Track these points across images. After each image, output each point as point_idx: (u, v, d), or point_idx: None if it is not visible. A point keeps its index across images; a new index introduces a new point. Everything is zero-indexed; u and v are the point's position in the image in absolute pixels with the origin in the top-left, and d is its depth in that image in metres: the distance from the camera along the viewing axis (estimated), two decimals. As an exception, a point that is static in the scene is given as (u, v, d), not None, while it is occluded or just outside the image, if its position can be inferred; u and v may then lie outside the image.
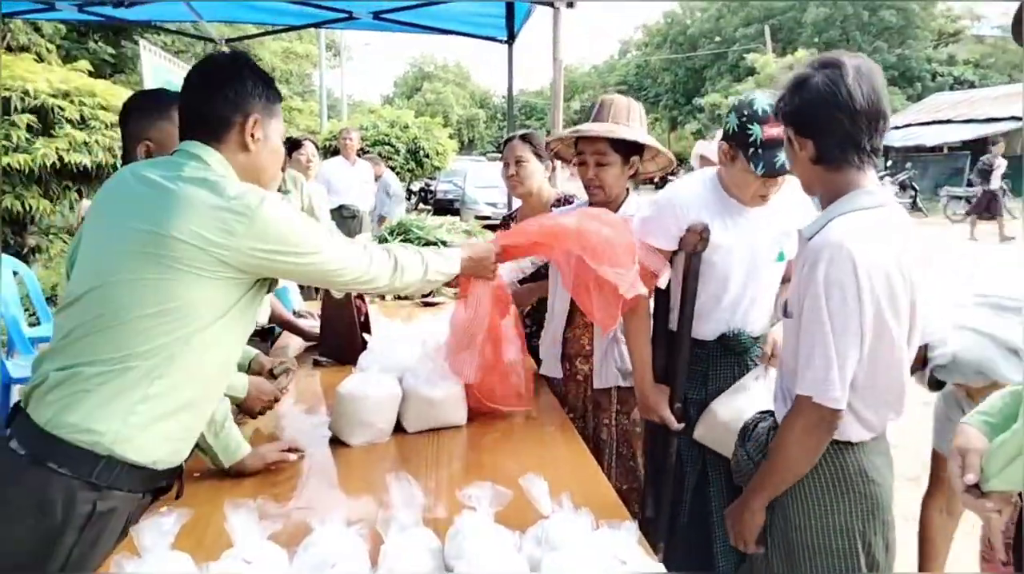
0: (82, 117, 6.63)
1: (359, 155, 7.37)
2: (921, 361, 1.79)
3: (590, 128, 2.28)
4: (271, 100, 1.58)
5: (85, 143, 6.66)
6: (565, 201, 2.88)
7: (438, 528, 1.35)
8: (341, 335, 2.69)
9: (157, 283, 1.35)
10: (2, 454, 1.39)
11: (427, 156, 15.84)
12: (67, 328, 1.40)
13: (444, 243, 4.71)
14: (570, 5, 3.79)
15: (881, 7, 32.33)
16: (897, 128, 22.62)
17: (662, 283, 2.08)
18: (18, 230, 6.71)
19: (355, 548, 1.25)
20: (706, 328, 2.09)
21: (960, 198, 18.22)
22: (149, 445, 1.41)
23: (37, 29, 10.21)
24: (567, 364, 2.48)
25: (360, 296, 2.76)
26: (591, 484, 1.69)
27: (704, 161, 3.07)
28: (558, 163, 3.12)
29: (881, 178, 18.53)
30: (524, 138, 2.91)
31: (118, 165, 7.70)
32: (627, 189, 2.40)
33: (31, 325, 4.66)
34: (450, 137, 16.92)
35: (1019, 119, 17.83)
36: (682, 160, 7.31)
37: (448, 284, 2.00)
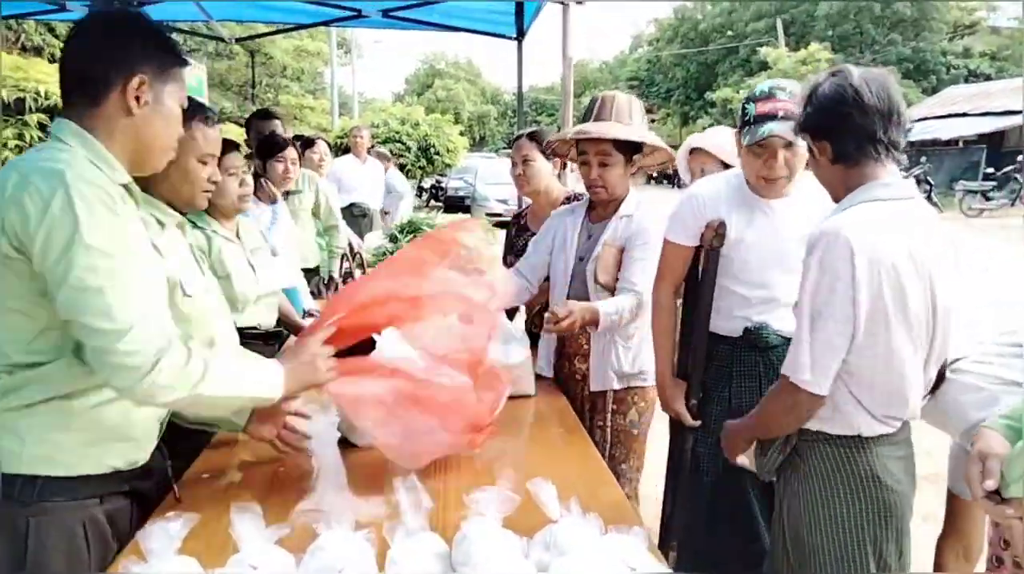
0: (94, 117, 6.69)
1: (368, 152, 7.37)
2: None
3: (594, 129, 2.27)
4: (166, 62, 1.41)
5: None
6: (575, 198, 2.87)
7: (445, 532, 1.35)
8: (350, 334, 2.69)
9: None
10: None
11: (438, 153, 15.89)
12: None
13: (454, 241, 4.72)
14: (580, 2, 3.77)
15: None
16: (911, 122, 22.37)
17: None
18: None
19: (362, 553, 1.24)
20: (730, 324, 2.08)
21: (976, 192, 18.03)
22: (56, 454, 1.32)
23: (51, 30, 10.30)
24: (565, 363, 2.49)
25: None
26: (600, 487, 1.68)
27: (697, 154, 2.96)
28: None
29: (895, 173, 18.46)
30: (531, 136, 2.90)
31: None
32: (629, 187, 2.41)
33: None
34: (461, 134, 16.96)
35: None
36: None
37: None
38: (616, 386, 2.37)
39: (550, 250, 2.55)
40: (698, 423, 2.13)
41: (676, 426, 2.23)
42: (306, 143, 5.07)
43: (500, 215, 13.83)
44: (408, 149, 15.58)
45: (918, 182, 18.93)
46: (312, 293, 3.66)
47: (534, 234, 2.98)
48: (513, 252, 3.06)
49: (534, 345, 2.55)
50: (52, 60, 8.46)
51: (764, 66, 29.66)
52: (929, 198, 18.55)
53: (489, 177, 17.96)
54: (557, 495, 1.34)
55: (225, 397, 1.38)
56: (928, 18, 32.41)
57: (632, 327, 2.35)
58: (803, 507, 1.61)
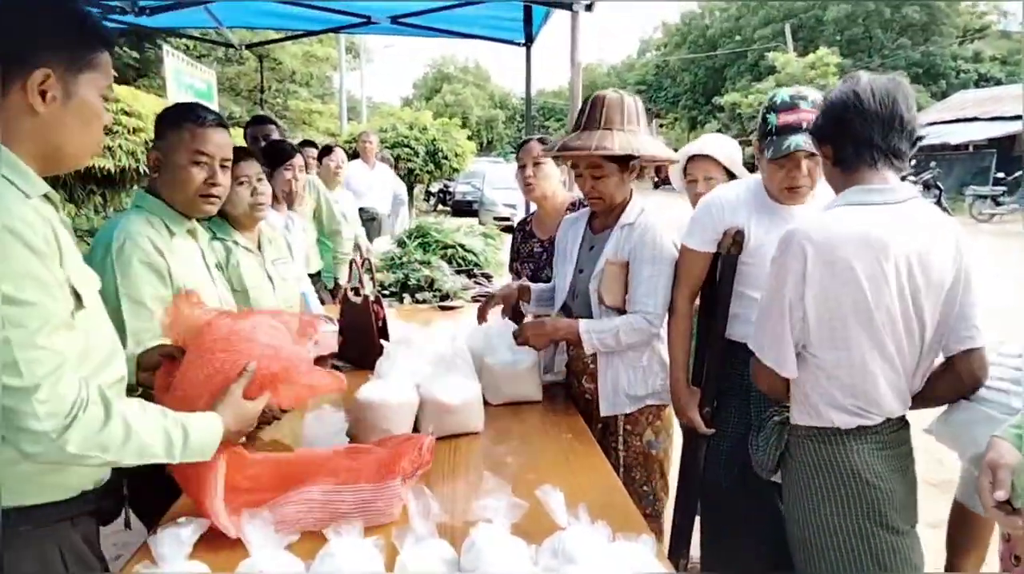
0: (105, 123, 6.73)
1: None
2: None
3: (575, 144, 2.17)
4: (80, 48, 1.23)
5: (109, 148, 6.78)
6: (580, 204, 2.87)
7: (454, 538, 1.35)
8: (359, 340, 2.70)
9: None
10: None
11: (446, 158, 15.90)
12: None
13: (462, 246, 4.74)
14: (588, 8, 3.78)
15: (904, 4, 31.92)
16: (921, 126, 22.28)
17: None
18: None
19: (371, 559, 1.25)
20: (747, 330, 1.98)
21: (986, 197, 17.93)
22: (21, 484, 1.20)
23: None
24: (573, 381, 2.41)
25: (378, 300, 2.77)
26: (608, 494, 1.68)
27: (700, 160, 2.78)
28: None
29: (904, 177, 18.35)
30: (541, 141, 2.91)
31: (142, 170, 7.85)
32: (631, 191, 2.31)
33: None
34: (469, 138, 16.96)
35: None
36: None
37: None
38: (628, 409, 2.25)
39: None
40: (712, 431, 2.11)
41: (688, 433, 2.22)
42: (323, 151, 5.11)
43: (507, 219, 13.86)
44: (416, 154, 15.60)
45: (927, 187, 18.85)
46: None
47: (540, 240, 2.99)
48: (519, 259, 3.07)
49: None
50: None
51: (772, 71, 29.63)
52: (939, 203, 18.46)
53: (497, 181, 17.99)
54: (565, 502, 1.34)
55: (148, 458, 1.23)
56: (938, 22, 32.32)
57: (642, 347, 2.24)
58: (793, 502, 1.67)
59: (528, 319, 2.26)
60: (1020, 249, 12.94)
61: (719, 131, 32.68)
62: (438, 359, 2.16)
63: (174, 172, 1.86)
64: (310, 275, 3.98)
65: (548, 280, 2.67)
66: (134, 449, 1.18)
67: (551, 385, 2.44)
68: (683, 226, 2.31)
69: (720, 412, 2.12)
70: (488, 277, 4.53)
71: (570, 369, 2.43)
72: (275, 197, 3.40)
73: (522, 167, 2.93)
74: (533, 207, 3.19)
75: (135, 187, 8.00)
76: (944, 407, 1.71)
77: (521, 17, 4.66)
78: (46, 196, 1.23)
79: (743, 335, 2.01)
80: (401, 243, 4.85)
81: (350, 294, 2.81)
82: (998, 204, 17.60)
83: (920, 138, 1.57)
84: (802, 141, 1.83)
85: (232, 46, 6.38)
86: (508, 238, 5.07)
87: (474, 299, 4.06)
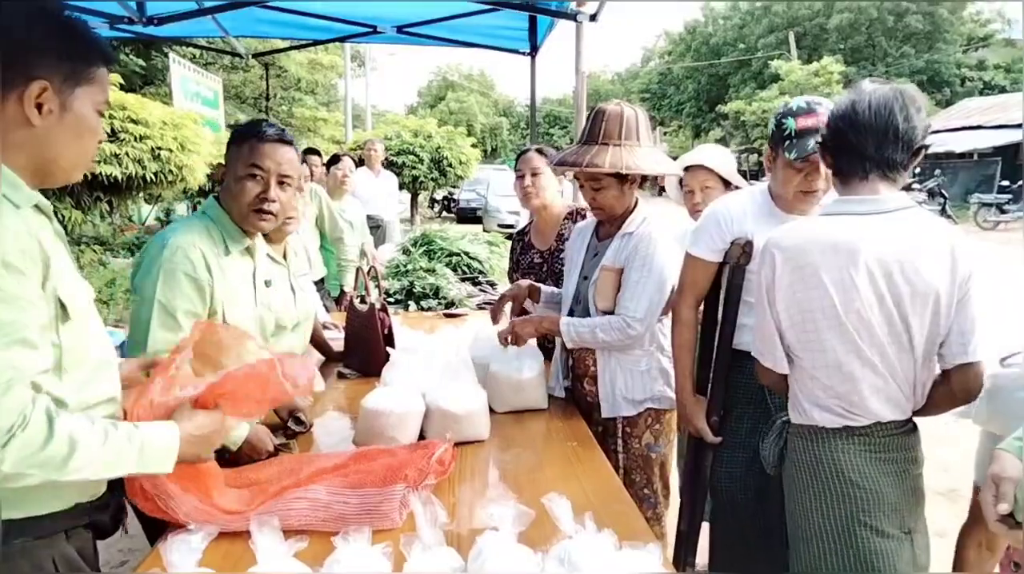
0: (112, 130, 6.78)
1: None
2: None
3: (571, 160, 2.21)
4: (78, 62, 1.22)
5: (115, 155, 6.81)
6: (578, 214, 2.89)
7: (460, 546, 1.36)
8: (366, 348, 2.71)
9: None
10: None
11: (450, 165, 15.95)
12: None
13: (467, 253, 4.75)
14: (593, 19, 3.80)
15: (907, 13, 31.97)
16: (927, 134, 22.26)
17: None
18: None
19: (379, 567, 1.25)
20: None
21: (991, 205, 17.90)
22: (17, 496, 1.18)
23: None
24: (576, 384, 2.45)
25: (384, 309, 2.78)
26: (614, 502, 1.68)
27: (696, 171, 2.79)
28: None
29: (909, 186, 18.22)
30: (540, 151, 2.96)
31: (148, 177, 7.86)
32: (635, 200, 2.34)
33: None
34: (473, 146, 17.01)
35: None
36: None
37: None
38: (627, 413, 2.31)
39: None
40: (719, 440, 2.11)
41: (692, 442, 2.22)
42: (331, 160, 5.14)
43: (511, 226, 13.89)
44: (421, 161, 15.65)
45: (932, 195, 18.84)
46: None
47: (539, 251, 3.00)
48: (519, 270, 3.08)
49: (548, 359, 2.56)
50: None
51: (776, 79, 29.64)
52: (944, 211, 18.45)
53: (501, 189, 18.03)
54: (571, 510, 1.35)
55: (100, 475, 1.21)
56: (941, 31, 32.34)
57: (639, 353, 2.30)
58: (788, 498, 1.73)
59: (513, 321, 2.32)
60: (1025, 257, 12.91)
61: (723, 139, 32.80)
62: (444, 367, 2.17)
63: (231, 186, 1.88)
64: (314, 282, 4.00)
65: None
66: (77, 466, 1.14)
67: (552, 396, 2.45)
68: (681, 234, 2.33)
69: (730, 421, 2.12)
70: (492, 284, 4.55)
71: (574, 373, 2.46)
72: None
73: (520, 177, 2.96)
74: (534, 214, 3.21)
75: (141, 194, 8.04)
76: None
77: (526, 27, 4.69)
78: (37, 206, 1.22)
79: (749, 343, 2.01)
80: (406, 251, 4.86)
81: (356, 302, 2.82)
82: (1003, 212, 17.57)
83: (925, 147, 1.58)
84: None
85: (239, 55, 6.42)
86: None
87: (479, 307, 4.07)
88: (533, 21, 4.61)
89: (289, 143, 1.93)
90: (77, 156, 1.26)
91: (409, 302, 4.11)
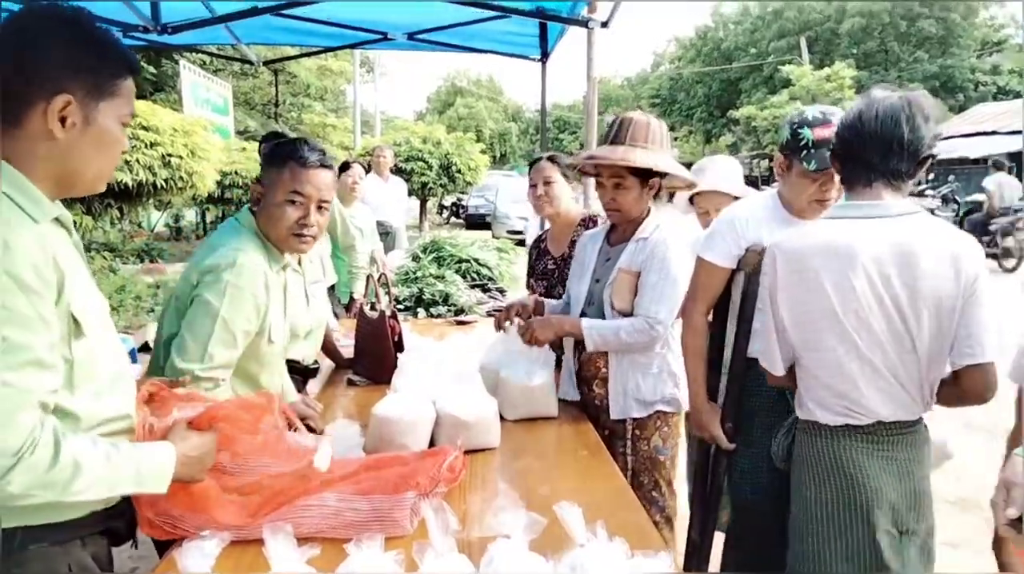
0: (124, 137, 6.84)
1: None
2: None
3: (602, 154, 2.27)
4: (103, 75, 1.22)
5: (126, 162, 6.87)
6: (591, 220, 2.90)
7: (471, 554, 1.36)
8: (375, 355, 2.72)
9: None
10: None
11: (459, 171, 15.99)
12: None
13: (476, 260, 4.76)
14: (604, 25, 3.81)
15: (920, 17, 31.85)
16: (939, 140, 22.16)
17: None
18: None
19: (391, 573, 1.26)
20: None
21: (1005, 211, 17.75)
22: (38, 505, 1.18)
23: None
24: (584, 387, 2.46)
25: (394, 315, 2.79)
26: (625, 510, 1.68)
27: (708, 194, 2.82)
28: (590, 180, 3.13)
29: (923, 191, 18.08)
30: (552, 159, 2.96)
31: (158, 184, 7.91)
32: (648, 208, 2.39)
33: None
34: (482, 152, 17.05)
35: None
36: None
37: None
38: (637, 414, 2.34)
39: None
40: (732, 446, 2.10)
41: (705, 449, 2.21)
42: (342, 167, 5.17)
43: (520, 233, 13.89)
44: (430, 167, 15.70)
45: (946, 200, 18.69)
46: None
47: (553, 258, 3.02)
48: (535, 275, 3.10)
49: (558, 366, 2.56)
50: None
51: (787, 84, 29.57)
52: (958, 216, 18.31)
53: (510, 195, 18.06)
54: (583, 518, 1.35)
55: (101, 495, 1.23)
56: (954, 36, 32.20)
57: (651, 354, 2.33)
58: (792, 491, 1.77)
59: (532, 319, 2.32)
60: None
61: (734, 144, 32.72)
62: (454, 374, 2.18)
63: (270, 209, 1.90)
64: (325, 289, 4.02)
65: (561, 297, 2.70)
66: (79, 489, 1.16)
67: (562, 401, 2.45)
68: (692, 241, 2.33)
69: (751, 430, 2.10)
70: (502, 291, 4.55)
71: (581, 376, 2.47)
72: None
73: (533, 186, 2.98)
74: (548, 222, 3.23)
75: (151, 200, 8.10)
76: None
77: (537, 33, 4.70)
78: (57, 219, 1.23)
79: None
80: (416, 257, 4.88)
81: (366, 309, 2.83)
82: (1018, 217, 17.41)
83: (932, 156, 1.60)
84: None
85: (250, 62, 6.47)
86: (522, 251, 5.08)
87: (488, 314, 4.08)
88: (544, 27, 4.63)
89: (329, 167, 1.95)
90: (100, 168, 1.27)
91: (419, 309, 4.12)
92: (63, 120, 1.18)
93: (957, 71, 31.69)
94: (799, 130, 1.95)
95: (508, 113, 49.90)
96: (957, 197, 18.95)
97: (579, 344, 2.45)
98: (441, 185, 16.14)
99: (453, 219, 22.38)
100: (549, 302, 2.64)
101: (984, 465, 2.19)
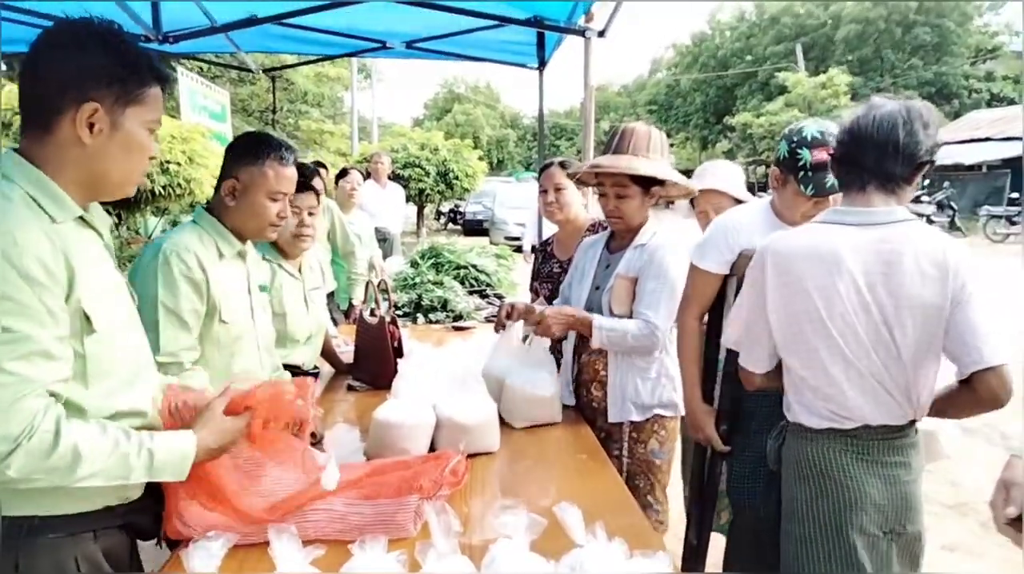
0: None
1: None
2: None
3: (606, 163, 2.30)
4: (130, 84, 1.28)
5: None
6: (600, 226, 2.92)
7: (472, 556, 1.38)
8: (375, 360, 2.74)
9: None
10: None
11: (456, 178, 16.01)
12: None
13: (475, 266, 4.79)
14: (601, 35, 3.84)
15: (915, 24, 32.01)
16: (934, 148, 22.23)
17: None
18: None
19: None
20: None
21: (1000, 217, 17.86)
22: (48, 496, 1.24)
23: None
24: (582, 391, 2.48)
25: (393, 321, 2.81)
26: (624, 512, 1.70)
27: (708, 194, 2.82)
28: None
29: (918, 198, 18.07)
30: (562, 165, 2.97)
31: (156, 191, 7.93)
32: (647, 216, 2.42)
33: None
34: (479, 158, 17.08)
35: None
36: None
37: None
38: (634, 418, 2.36)
39: (570, 282, 2.61)
40: (727, 449, 2.13)
41: (702, 452, 2.23)
42: (340, 174, 5.20)
43: (518, 239, 13.92)
44: (427, 174, 15.73)
45: (941, 207, 18.79)
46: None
47: (559, 261, 3.04)
48: (539, 279, 3.12)
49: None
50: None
51: (783, 90, 29.70)
52: (952, 223, 18.41)
53: (507, 201, 18.10)
54: (583, 520, 1.37)
55: (112, 482, 1.25)
56: (949, 43, 32.36)
57: (650, 359, 2.36)
58: (782, 494, 1.78)
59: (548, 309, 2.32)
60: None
61: (730, 151, 32.80)
62: (454, 379, 2.20)
63: (252, 205, 1.97)
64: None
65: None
66: (85, 474, 1.19)
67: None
68: (692, 247, 2.35)
69: (743, 433, 2.12)
70: (500, 297, 4.57)
71: (580, 379, 2.49)
72: None
73: (543, 192, 2.99)
74: (546, 227, 3.25)
75: (149, 207, 8.10)
76: None
77: (534, 42, 4.73)
78: (82, 220, 1.28)
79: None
80: (414, 263, 4.90)
81: (366, 315, 2.85)
82: (1012, 224, 17.53)
83: (930, 162, 1.60)
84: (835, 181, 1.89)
85: (249, 70, 6.50)
86: (519, 258, 5.09)
87: (487, 319, 4.10)
88: (541, 36, 4.66)
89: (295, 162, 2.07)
90: (127, 172, 1.32)
91: (417, 315, 4.14)
92: (91, 126, 1.24)
93: (951, 78, 31.85)
94: (798, 150, 1.96)
95: (505, 120, 49.97)
96: (952, 203, 19.05)
97: (578, 348, 2.48)
98: (439, 191, 16.16)
99: (450, 225, 22.41)
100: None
101: (980, 470, 2.21)
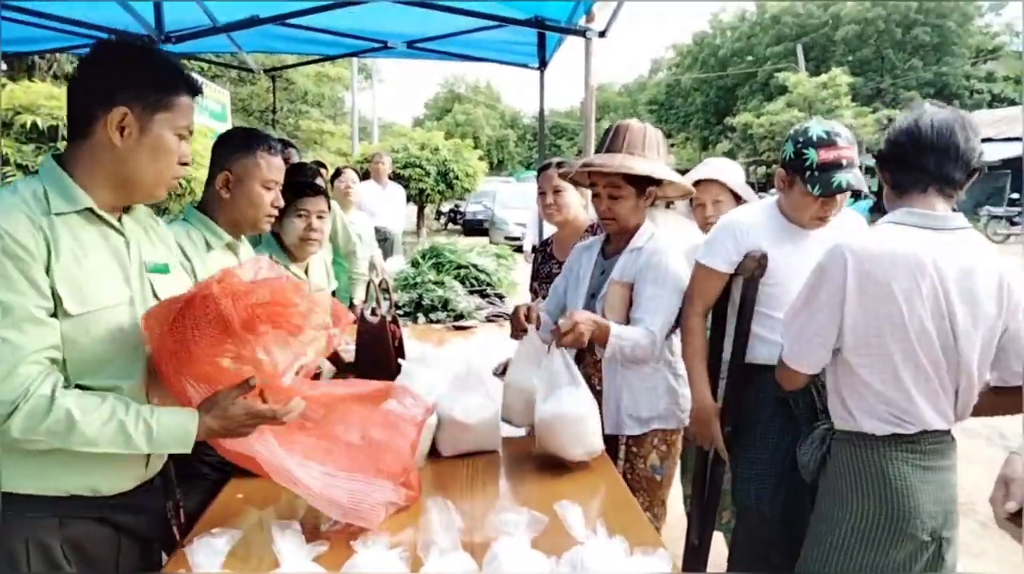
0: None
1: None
2: None
3: (598, 161, 2.21)
4: (158, 91, 1.37)
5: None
6: (598, 227, 2.91)
7: (474, 553, 1.39)
8: (377, 359, 2.74)
9: None
10: None
11: (457, 178, 16.02)
12: None
13: (475, 266, 4.80)
14: (602, 35, 3.85)
15: (915, 24, 32.01)
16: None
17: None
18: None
19: (397, 571, 1.29)
20: (769, 351, 2.02)
21: (1001, 218, 17.86)
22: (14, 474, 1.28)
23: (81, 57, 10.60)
24: None
25: (394, 320, 2.82)
26: (624, 511, 1.71)
27: (708, 184, 2.73)
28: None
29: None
30: (559, 166, 2.95)
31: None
32: (643, 218, 2.33)
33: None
34: (480, 158, 17.09)
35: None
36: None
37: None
38: (631, 431, 2.26)
39: (565, 287, 2.51)
40: (726, 453, 2.13)
41: (705, 455, 2.23)
42: (334, 174, 5.21)
43: (518, 239, 13.93)
44: (428, 174, 15.74)
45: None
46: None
47: (559, 262, 3.03)
48: (538, 279, 3.12)
49: None
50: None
51: (784, 90, 29.68)
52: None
53: (507, 201, 18.09)
54: (583, 518, 1.38)
55: (111, 450, 1.29)
56: (949, 43, 32.35)
57: (646, 369, 2.25)
58: (826, 502, 1.75)
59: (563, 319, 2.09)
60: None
61: (731, 151, 32.77)
62: (455, 378, 2.20)
63: (248, 195, 2.03)
64: (323, 296, 4.03)
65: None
66: (80, 440, 1.25)
67: None
68: (689, 249, 2.34)
69: (753, 438, 2.11)
70: (501, 297, 4.58)
71: None
72: None
73: (542, 194, 2.98)
74: (546, 227, 3.25)
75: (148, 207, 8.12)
76: None
77: (535, 42, 4.75)
78: (91, 211, 1.35)
79: (766, 356, 2.03)
80: (415, 263, 4.91)
81: (367, 314, 2.86)
82: (1013, 224, 17.53)
83: (980, 168, 1.64)
84: (851, 179, 1.90)
85: (251, 70, 6.51)
86: (520, 258, 5.09)
87: (488, 319, 4.11)
88: (542, 36, 4.67)
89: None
90: (156, 175, 1.41)
91: (418, 314, 4.15)
92: (122, 130, 1.34)
93: (952, 78, 31.84)
94: (804, 150, 1.94)
95: (506, 119, 49.96)
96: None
97: (579, 357, 2.40)
98: (439, 191, 16.17)
99: (451, 225, 22.41)
100: (545, 317, 2.62)
101: (980, 470, 2.22)
